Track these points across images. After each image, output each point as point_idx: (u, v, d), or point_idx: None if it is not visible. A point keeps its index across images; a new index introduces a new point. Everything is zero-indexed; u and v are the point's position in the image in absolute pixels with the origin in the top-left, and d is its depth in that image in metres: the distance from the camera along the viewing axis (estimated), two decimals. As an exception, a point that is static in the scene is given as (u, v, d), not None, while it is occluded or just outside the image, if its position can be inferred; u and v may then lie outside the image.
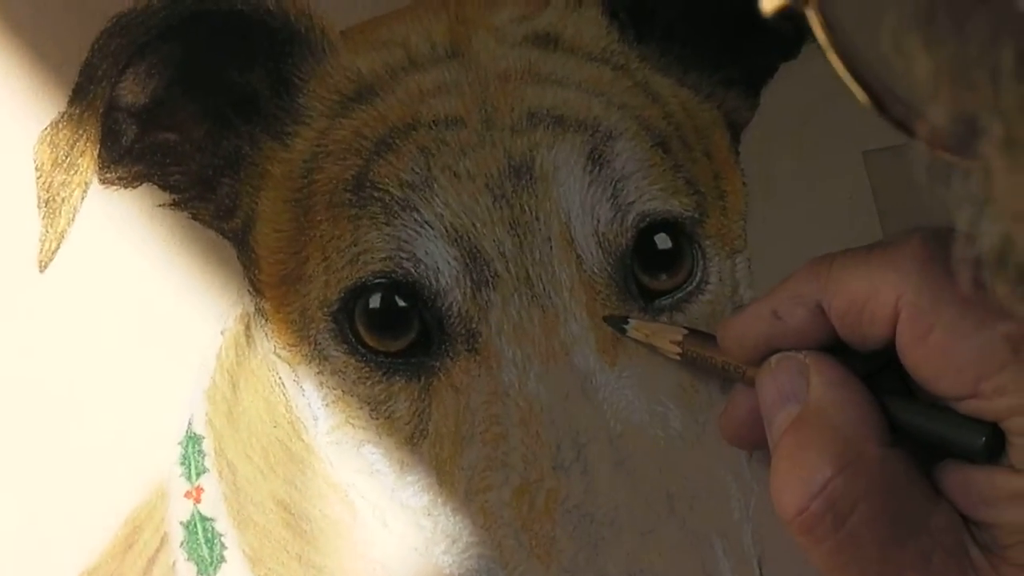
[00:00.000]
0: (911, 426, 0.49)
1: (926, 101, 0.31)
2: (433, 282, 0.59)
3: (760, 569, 0.60)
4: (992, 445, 0.46)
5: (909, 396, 0.50)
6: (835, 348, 0.51)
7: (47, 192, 0.60)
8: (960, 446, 0.47)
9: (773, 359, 0.52)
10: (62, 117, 0.60)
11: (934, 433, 0.48)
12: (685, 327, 0.59)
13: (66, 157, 0.60)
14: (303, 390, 0.60)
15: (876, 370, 0.51)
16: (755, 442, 0.55)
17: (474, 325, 0.59)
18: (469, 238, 0.59)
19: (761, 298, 0.53)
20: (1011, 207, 0.30)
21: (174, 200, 0.61)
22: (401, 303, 0.59)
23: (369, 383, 0.60)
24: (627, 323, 0.59)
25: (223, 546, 0.59)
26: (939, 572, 0.46)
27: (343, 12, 0.62)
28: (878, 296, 0.48)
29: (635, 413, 0.59)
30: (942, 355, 0.46)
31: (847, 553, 0.47)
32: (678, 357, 0.58)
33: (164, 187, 0.61)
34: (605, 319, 0.59)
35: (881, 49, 0.32)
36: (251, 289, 0.61)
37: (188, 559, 0.59)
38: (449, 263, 0.59)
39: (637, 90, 0.63)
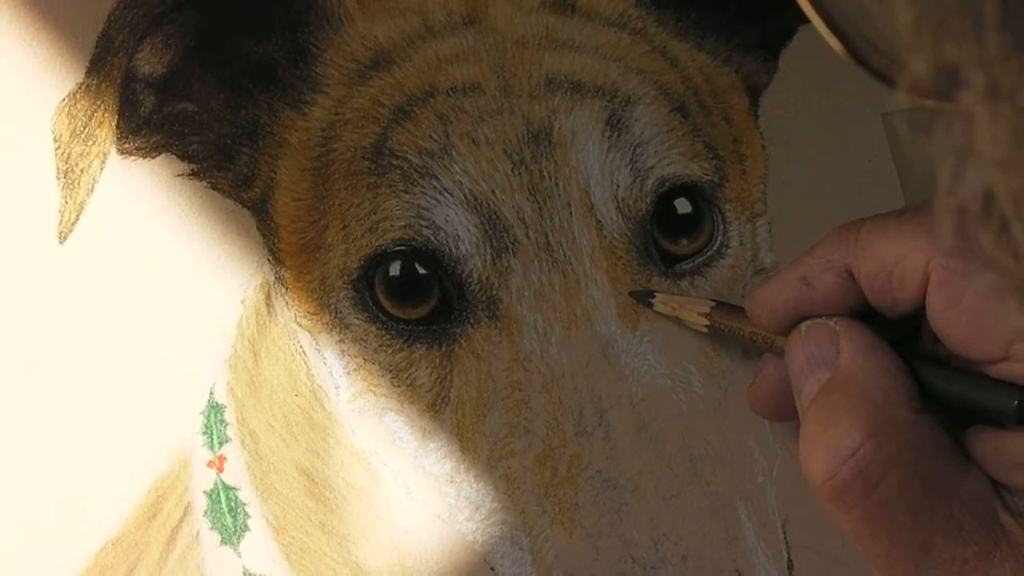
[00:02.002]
0: (942, 391, 0.49)
1: (908, 51, 0.31)
2: (453, 249, 0.59)
3: (784, 532, 0.60)
4: None
5: (939, 362, 0.50)
6: (865, 314, 0.51)
7: (66, 163, 0.60)
8: (992, 410, 0.47)
9: (803, 326, 0.52)
10: (79, 88, 0.60)
11: (966, 397, 0.48)
12: (712, 299, 0.59)
13: (84, 128, 0.60)
14: (324, 358, 0.60)
15: (905, 336, 0.50)
16: (785, 413, 0.55)
17: (494, 292, 0.59)
18: (488, 205, 0.59)
19: (789, 265, 0.53)
20: (993, 156, 0.30)
21: (192, 170, 0.61)
22: (421, 270, 0.59)
23: (390, 351, 0.60)
24: (653, 297, 0.59)
25: (246, 515, 0.59)
26: (970, 538, 0.46)
27: (360, -21, 0.62)
28: (908, 260, 0.48)
29: (657, 378, 0.59)
30: (973, 318, 0.46)
31: (877, 519, 0.46)
32: (705, 329, 0.58)
33: (182, 157, 0.61)
34: (631, 294, 0.59)
35: (861, 0, 0.32)
36: (271, 258, 0.61)
37: (212, 528, 0.59)
38: (469, 230, 0.59)
39: (655, 55, 0.63)
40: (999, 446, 0.47)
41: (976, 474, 0.47)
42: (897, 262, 0.48)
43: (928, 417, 0.48)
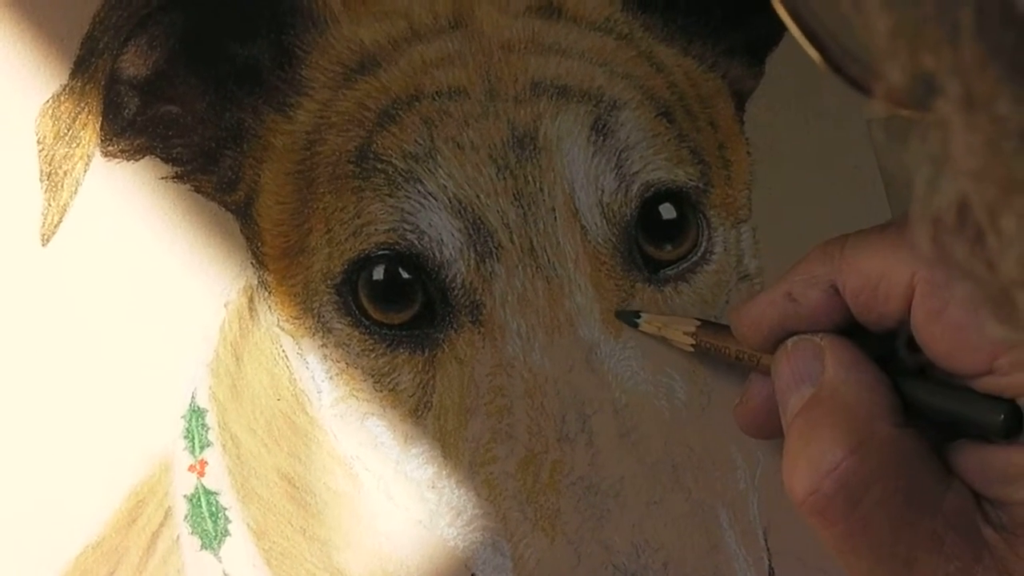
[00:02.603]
0: (927, 406, 0.49)
1: (884, 60, 0.31)
2: (437, 254, 0.58)
3: (766, 539, 0.60)
4: (1010, 422, 0.46)
5: (923, 376, 0.49)
6: (850, 330, 0.51)
7: (49, 165, 0.60)
8: (977, 424, 0.47)
9: (789, 342, 0.52)
10: (64, 90, 0.60)
11: (951, 412, 0.48)
12: (697, 319, 0.59)
13: (68, 130, 0.60)
14: (307, 363, 0.60)
15: (891, 351, 0.50)
16: (771, 431, 0.55)
17: (478, 297, 0.59)
18: (473, 209, 0.59)
19: (774, 283, 0.53)
20: (969, 166, 0.29)
21: (177, 173, 0.60)
22: (405, 275, 0.59)
23: (373, 355, 0.59)
24: (639, 317, 0.59)
25: (227, 519, 0.59)
26: (952, 552, 0.45)
27: (345, -17, 0.62)
28: (892, 274, 0.48)
29: (640, 384, 0.59)
30: (957, 331, 0.46)
31: (859, 535, 0.46)
32: (691, 349, 0.58)
33: (166, 159, 0.60)
34: (617, 314, 0.59)
35: (838, 9, 0.32)
36: (254, 262, 0.60)
37: (192, 533, 0.59)
38: (453, 234, 0.59)
39: (641, 60, 0.63)
40: (984, 460, 0.47)
41: (958, 488, 0.47)
42: (881, 276, 0.48)
43: (911, 432, 0.47)
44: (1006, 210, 0.29)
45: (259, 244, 0.60)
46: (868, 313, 0.50)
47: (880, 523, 0.46)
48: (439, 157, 0.59)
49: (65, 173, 0.60)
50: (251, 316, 0.60)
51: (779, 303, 0.52)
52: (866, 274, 0.49)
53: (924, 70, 0.30)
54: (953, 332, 0.46)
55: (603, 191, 0.60)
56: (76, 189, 0.60)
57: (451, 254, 0.59)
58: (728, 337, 0.56)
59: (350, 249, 0.59)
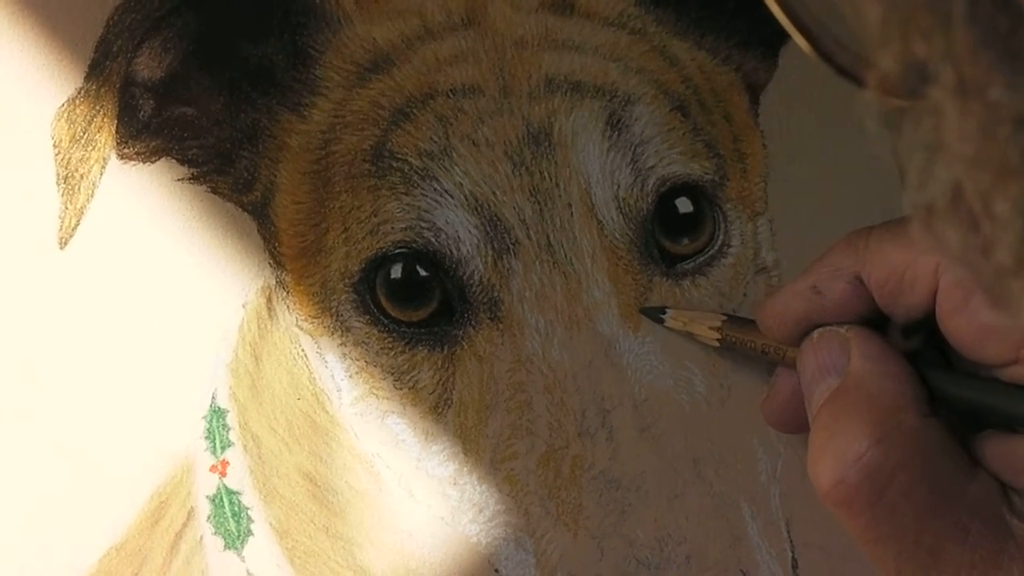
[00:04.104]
0: (953, 397, 0.49)
1: (876, 48, 0.31)
2: (454, 251, 0.59)
3: (788, 531, 0.60)
4: None
5: (949, 367, 0.50)
6: (876, 321, 0.51)
7: (65, 168, 0.60)
8: (1003, 414, 0.47)
9: (815, 334, 0.52)
10: (79, 93, 0.60)
11: (976, 402, 0.48)
12: (723, 313, 0.59)
13: (84, 133, 0.60)
14: (326, 362, 0.60)
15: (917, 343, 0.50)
16: (798, 425, 0.55)
17: (496, 293, 0.59)
18: (489, 206, 0.59)
19: (798, 275, 0.53)
20: (962, 152, 0.29)
21: (193, 174, 0.61)
22: (422, 272, 0.59)
23: (392, 353, 0.59)
24: (664, 313, 0.59)
25: (250, 519, 0.59)
26: (977, 543, 0.45)
27: (358, -18, 0.62)
28: (917, 264, 0.48)
29: (659, 378, 0.59)
30: (983, 321, 0.46)
31: (884, 525, 0.46)
32: (717, 344, 0.58)
33: (182, 161, 0.61)
34: (642, 311, 0.59)
35: None
36: (272, 262, 0.61)
37: (215, 533, 0.59)
38: (470, 231, 0.59)
39: (654, 54, 0.63)
40: (1010, 450, 0.47)
41: (983, 479, 0.47)
42: (907, 267, 0.48)
43: (936, 422, 0.47)
44: (999, 196, 0.29)
45: (276, 244, 0.61)
46: (893, 304, 0.50)
47: (905, 513, 0.46)
48: (454, 154, 0.59)
49: (81, 176, 0.60)
50: (270, 316, 0.61)
51: (804, 295, 0.52)
52: (892, 265, 0.49)
53: (916, 58, 0.30)
54: (979, 322, 0.46)
55: (619, 186, 0.60)
56: (93, 192, 0.60)
57: (468, 251, 0.59)
58: (754, 331, 0.56)
59: (367, 248, 0.59)
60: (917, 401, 0.48)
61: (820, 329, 0.52)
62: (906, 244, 0.48)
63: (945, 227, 0.31)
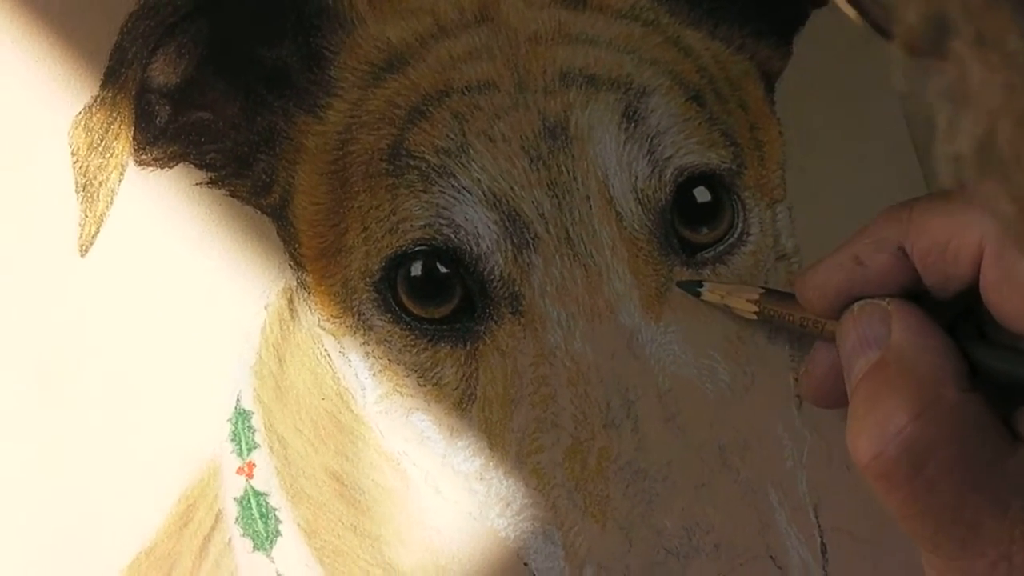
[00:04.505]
0: (995, 370, 0.48)
1: (900, 3, 0.31)
2: (474, 247, 0.59)
3: (816, 516, 0.60)
4: None
5: (990, 341, 0.50)
6: (917, 294, 0.51)
7: (84, 176, 0.60)
8: None
9: (856, 306, 0.52)
10: (95, 101, 0.60)
11: (1019, 375, 0.48)
12: (761, 286, 0.59)
13: (101, 140, 0.60)
14: (349, 361, 0.60)
15: (958, 316, 0.50)
16: (836, 400, 0.55)
17: (517, 288, 0.59)
18: (507, 201, 0.59)
19: (840, 247, 0.53)
20: (986, 103, 0.30)
21: (211, 178, 0.61)
22: (443, 269, 0.59)
23: (415, 351, 0.60)
24: (701, 286, 0.59)
25: (278, 520, 0.60)
26: (1017, 518, 0.45)
27: (370, -18, 0.62)
28: (962, 235, 0.48)
29: (683, 367, 0.59)
30: None
31: (924, 499, 0.46)
32: (755, 316, 0.58)
33: (200, 166, 0.61)
34: (679, 284, 0.60)
35: None
36: (292, 263, 0.61)
37: (244, 535, 0.59)
38: (489, 227, 0.59)
39: (668, 45, 0.63)
40: None
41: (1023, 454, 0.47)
42: (951, 237, 0.48)
43: (976, 396, 0.47)
44: None
45: (296, 245, 0.61)
46: (936, 275, 0.50)
47: (945, 488, 0.45)
48: (471, 151, 0.59)
49: (100, 183, 0.60)
50: (292, 317, 0.61)
51: (846, 266, 0.52)
52: (935, 235, 0.49)
53: (938, 11, 0.30)
54: (1023, 292, 0.46)
55: (637, 177, 0.60)
56: (112, 199, 0.60)
57: (488, 247, 0.59)
58: (792, 304, 0.56)
59: (387, 246, 0.59)
60: (958, 375, 0.48)
61: (861, 302, 0.52)
62: (950, 215, 0.48)
63: (975, 178, 0.31)
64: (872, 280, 0.52)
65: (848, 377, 0.51)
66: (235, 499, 0.60)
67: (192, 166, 0.61)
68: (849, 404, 0.50)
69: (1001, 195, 0.31)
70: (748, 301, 0.58)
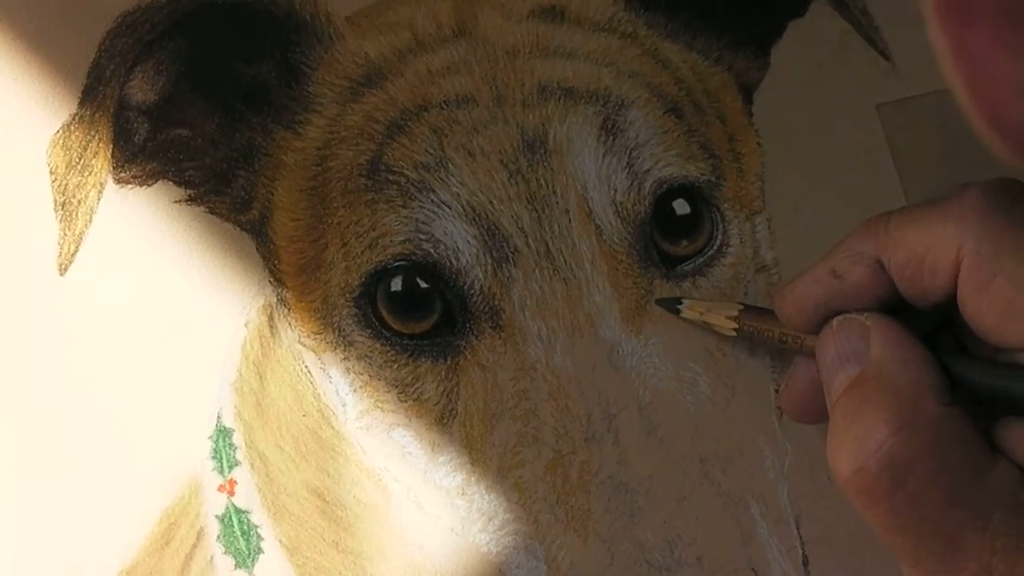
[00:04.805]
0: (973, 383, 0.48)
1: None
2: (453, 261, 0.59)
3: (798, 528, 0.60)
4: None
5: (969, 354, 0.49)
6: (895, 308, 0.51)
7: (63, 195, 0.60)
8: None
9: (835, 321, 0.52)
10: (73, 119, 0.60)
11: (997, 388, 0.48)
12: (740, 303, 0.59)
13: (80, 159, 0.60)
14: (330, 377, 0.60)
15: (936, 329, 0.50)
16: (817, 414, 0.55)
17: (497, 302, 0.59)
18: (487, 215, 0.59)
19: (817, 261, 0.53)
20: None
21: (190, 195, 0.61)
22: (423, 284, 0.59)
23: (395, 366, 0.60)
24: (680, 303, 0.59)
25: (259, 537, 0.59)
26: (999, 531, 0.45)
27: (347, -3, 0.63)
28: (938, 247, 0.48)
29: (663, 380, 0.59)
30: (1005, 303, 0.46)
31: (904, 514, 0.46)
32: (734, 333, 0.58)
33: (179, 183, 0.61)
34: (658, 302, 0.59)
35: None
36: (272, 279, 0.61)
37: (225, 552, 0.59)
38: (468, 242, 0.59)
39: (646, 58, 0.63)
40: None
41: (1004, 466, 0.47)
42: (928, 250, 0.48)
43: (957, 410, 0.47)
44: None
45: (276, 262, 0.61)
46: (914, 288, 0.49)
47: (926, 501, 0.45)
48: (450, 165, 0.59)
49: (79, 202, 0.60)
50: (272, 334, 0.61)
51: (823, 281, 0.52)
52: (912, 248, 0.49)
53: None
54: (1001, 304, 0.46)
55: (616, 190, 0.60)
56: (91, 217, 0.60)
57: (468, 261, 0.59)
58: (772, 320, 0.56)
59: (367, 262, 0.59)
60: (937, 389, 0.47)
61: (840, 316, 0.52)
62: (927, 227, 0.48)
63: None
64: (850, 294, 0.51)
65: (828, 392, 0.51)
66: (217, 516, 0.60)
67: (171, 183, 0.61)
68: (829, 419, 0.49)
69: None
70: (727, 318, 0.58)
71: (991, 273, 0.46)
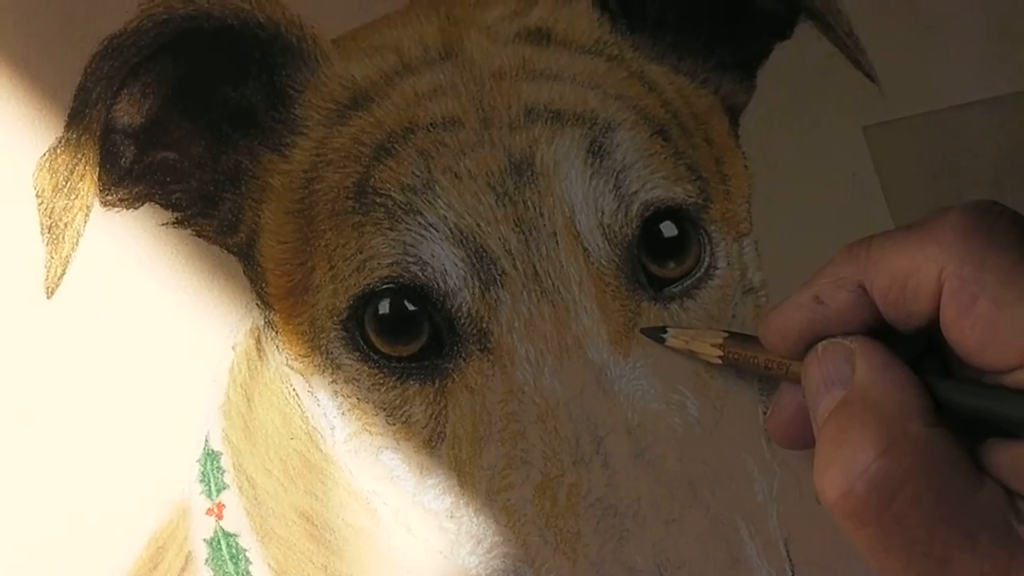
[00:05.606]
0: (958, 404, 0.48)
1: None
2: (441, 284, 0.59)
3: (787, 550, 0.60)
4: None
5: (953, 376, 0.50)
6: (879, 331, 0.51)
7: (49, 218, 0.60)
8: (1010, 421, 0.47)
9: (819, 346, 0.52)
10: (60, 142, 0.60)
11: (981, 409, 0.48)
12: (724, 330, 0.59)
13: (66, 182, 0.60)
14: (318, 400, 0.60)
15: (920, 352, 0.50)
16: (804, 440, 0.55)
17: (485, 324, 0.59)
18: (474, 238, 0.59)
19: (800, 287, 0.53)
20: None
21: (177, 218, 0.61)
22: (410, 307, 0.59)
23: (383, 389, 0.59)
24: (665, 332, 0.59)
25: (248, 561, 0.59)
26: (986, 551, 0.45)
27: (334, 20, 0.62)
28: (920, 271, 0.48)
29: (651, 402, 0.59)
30: (987, 325, 0.46)
31: (892, 535, 0.46)
32: (720, 361, 0.58)
33: (166, 206, 0.61)
34: (642, 331, 0.60)
35: None
36: (259, 302, 0.61)
37: (214, 576, 0.59)
38: (456, 264, 0.59)
39: (632, 80, 0.63)
40: (1016, 457, 0.47)
41: (991, 487, 0.47)
42: (910, 274, 0.48)
43: (942, 431, 0.47)
44: None
45: (263, 285, 0.61)
46: (897, 311, 0.50)
47: (913, 523, 0.45)
48: (437, 188, 0.59)
49: (66, 225, 0.60)
50: (259, 357, 0.61)
51: (806, 307, 0.52)
52: (894, 272, 0.49)
53: None
54: (983, 326, 0.46)
55: (603, 213, 0.60)
56: (77, 240, 0.60)
57: (455, 284, 0.59)
58: (756, 347, 0.56)
59: (354, 284, 0.59)
60: (923, 410, 0.48)
61: (825, 341, 0.52)
62: (908, 250, 0.48)
63: None
64: (833, 319, 0.52)
65: (814, 417, 0.51)
66: (205, 540, 0.59)
67: (158, 206, 0.61)
68: (816, 444, 0.50)
69: None
70: (712, 346, 0.58)
71: (973, 295, 0.46)
